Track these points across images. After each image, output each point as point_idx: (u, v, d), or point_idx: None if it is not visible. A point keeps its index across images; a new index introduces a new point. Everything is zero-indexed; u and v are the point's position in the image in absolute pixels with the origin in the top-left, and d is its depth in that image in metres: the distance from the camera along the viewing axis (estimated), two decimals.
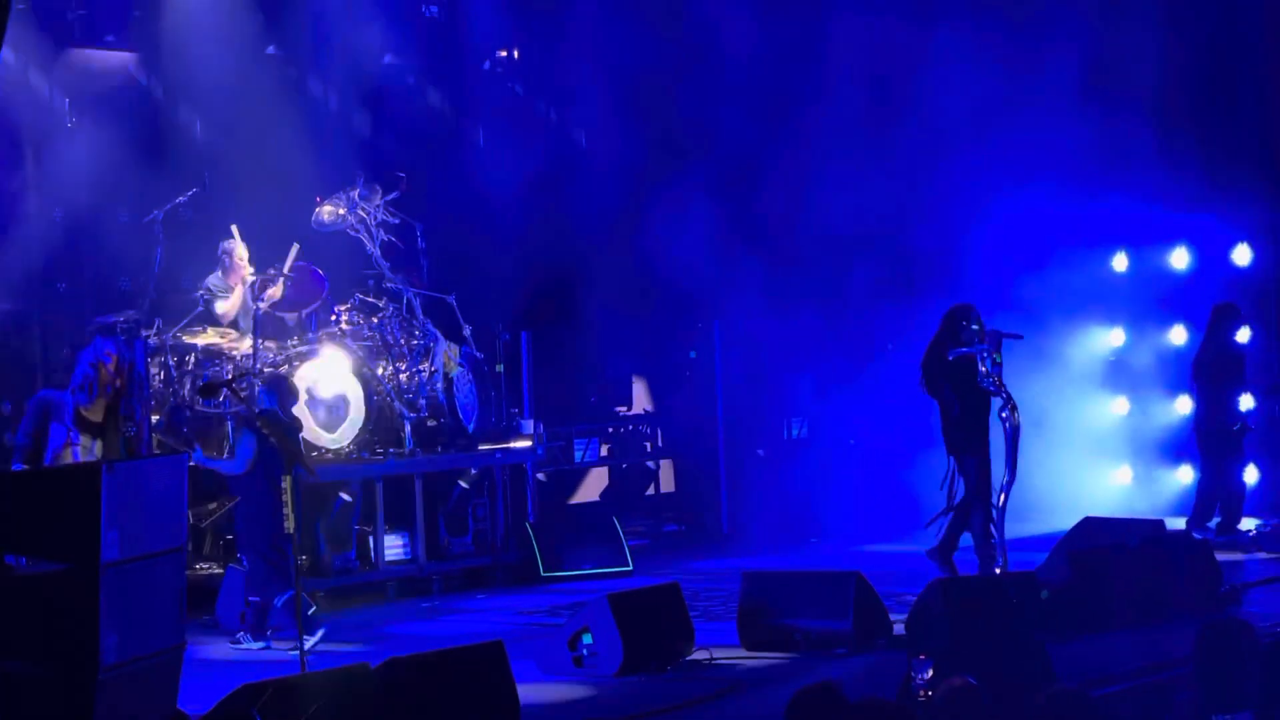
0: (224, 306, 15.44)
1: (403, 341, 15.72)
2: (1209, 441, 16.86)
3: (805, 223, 19.17)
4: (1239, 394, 16.92)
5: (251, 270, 15.48)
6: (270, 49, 17.14)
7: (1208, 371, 16.88)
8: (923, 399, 17.92)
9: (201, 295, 15.40)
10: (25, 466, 11.74)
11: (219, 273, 15.60)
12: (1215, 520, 16.74)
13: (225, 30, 16.69)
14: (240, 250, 15.55)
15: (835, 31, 18.67)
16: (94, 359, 11.97)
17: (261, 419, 12.38)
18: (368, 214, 15.85)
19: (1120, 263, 19.29)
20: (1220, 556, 13.83)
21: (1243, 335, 17.42)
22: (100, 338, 12.57)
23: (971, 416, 14.44)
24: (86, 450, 11.60)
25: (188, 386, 15.04)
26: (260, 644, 12.75)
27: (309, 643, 11.98)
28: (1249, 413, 17.12)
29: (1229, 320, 17.05)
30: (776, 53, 19.16)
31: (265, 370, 14.81)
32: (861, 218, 18.82)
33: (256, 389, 13.41)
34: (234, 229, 15.54)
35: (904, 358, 18.47)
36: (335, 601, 14.87)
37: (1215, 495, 16.81)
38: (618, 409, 19.33)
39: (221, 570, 14.29)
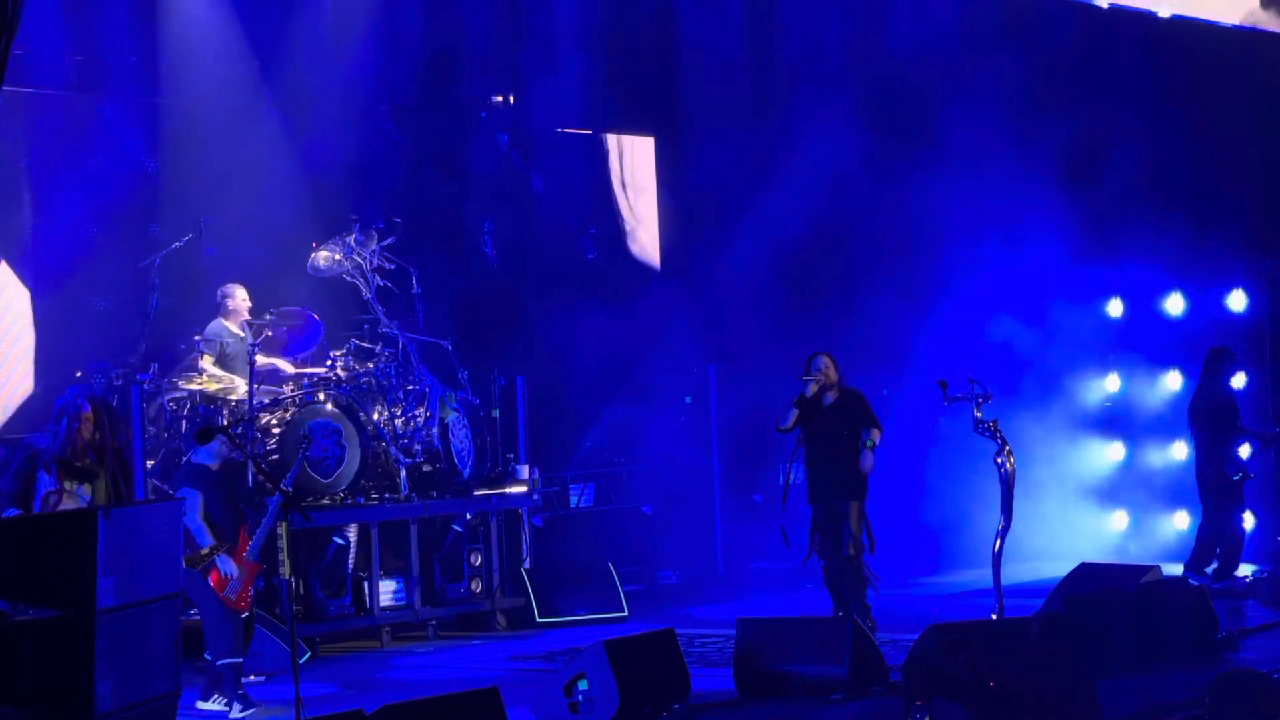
0: (212, 363, 15.43)
1: (398, 387, 15.72)
2: (1209, 487, 16.85)
3: (798, 274, 19.24)
4: (1238, 440, 16.92)
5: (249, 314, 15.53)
6: (266, 95, 17.17)
7: (1205, 417, 16.88)
8: (918, 444, 17.93)
9: (199, 343, 15.40)
10: (13, 512, 11.64)
11: (220, 319, 15.62)
12: (1212, 566, 16.73)
13: (221, 76, 16.74)
14: (240, 293, 15.60)
15: (832, 90, 18.78)
16: (70, 410, 11.82)
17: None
18: (363, 259, 15.87)
19: (1115, 309, 19.33)
20: (1217, 603, 13.82)
21: (1238, 380, 17.44)
22: (73, 389, 12.40)
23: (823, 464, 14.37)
24: (73, 496, 11.49)
25: (184, 432, 15.05)
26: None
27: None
28: (1247, 459, 17.11)
29: (1224, 365, 17.06)
30: (769, 96, 19.26)
31: (261, 416, 14.81)
32: (857, 265, 18.87)
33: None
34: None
35: (900, 403, 18.51)
36: (330, 647, 14.85)
37: (1215, 541, 16.80)
38: (613, 455, 19.31)
39: None
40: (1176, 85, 18.81)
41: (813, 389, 14.30)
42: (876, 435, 14.31)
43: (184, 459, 12.69)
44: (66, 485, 11.35)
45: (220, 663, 12.33)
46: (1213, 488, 16.81)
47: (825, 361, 14.45)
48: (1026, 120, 18.53)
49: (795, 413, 14.36)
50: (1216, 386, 16.97)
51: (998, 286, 18.73)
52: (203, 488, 12.36)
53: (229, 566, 12.24)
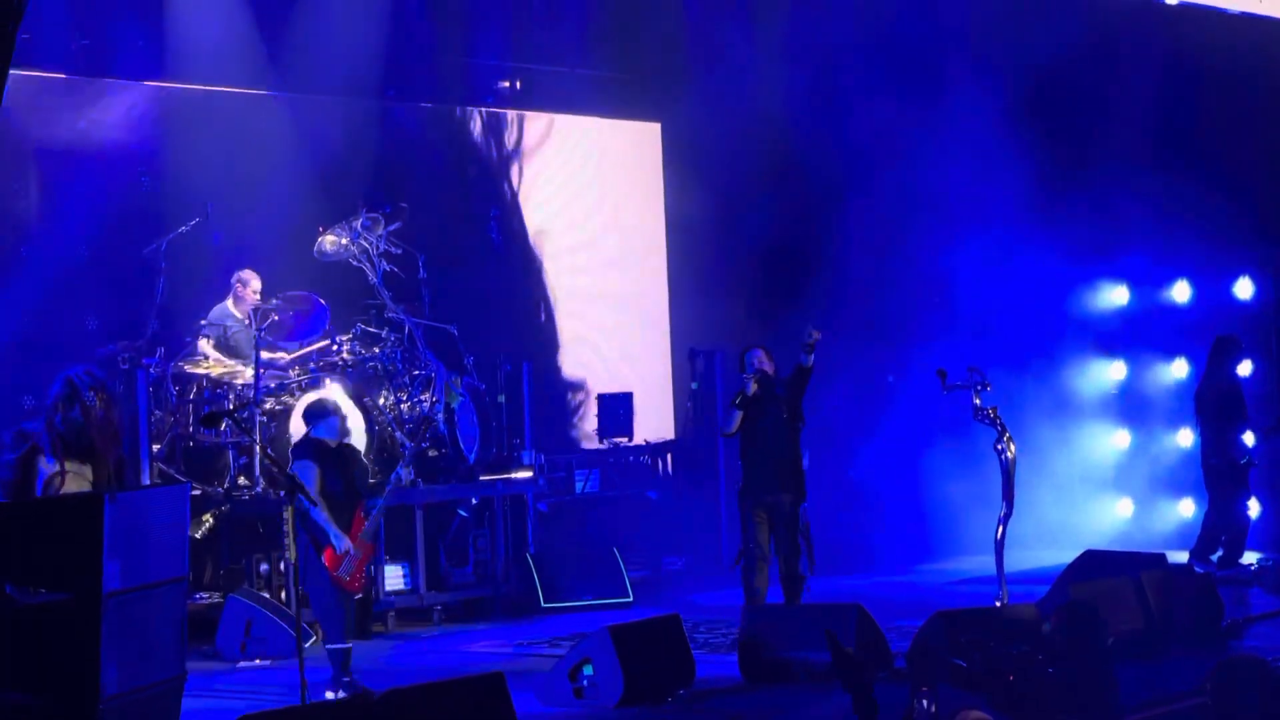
0: (212, 346, 15.43)
1: (404, 372, 15.72)
2: (1215, 475, 16.85)
3: (803, 259, 19.22)
4: (1243, 428, 16.92)
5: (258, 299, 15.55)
6: (272, 79, 17.16)
7: (1210, 405, 16.88)
8: (926, 432, 17.85)
9: (203, 327, 15.41)
10: (9, 498, 11.61)
11: (228, 301, 15.61)
12: (1217, 554, 16.73)
13: (227, 60, 16.72)
14: (255, 283, 15.60)
15: (839, 72, 18.78)
16: (76, 394, 11.76)
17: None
18: (370, 244, 15.85)
19: (1122, 296, 19.32)
20: (1222, 590, 13.81)
21: (1244, 369, 17.43)
22: (74, 370, 12.35)
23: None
24: (76, 478, 11.46)
25: (190, 417, 15.06)
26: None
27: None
28: (1253, 447, 17.11)
29: (1230, 353, 17.05)
30: (776, 80, 19.26)
31: (277, 400, 14.83)
32: (863, 250, 18.86)
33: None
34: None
35: (906, 390, 18.50)
36: None
37: (1221, 529, 16.80)
38: (619, 440, 19.29)
39: (222, 600, 14.27)
40: (1184, 73, 18.78)
41: (753, 387, 14.07)
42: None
43: (303, 434, 12.69)
44: (69, 467, 11.33)
45: (329, 647, 12.29)
46: (1219, 475, 16.81)
47: (761, 355, 14.25)
48: (1035, 108, 18.51)
49: (739, 414, 14.14)
50: (1223, 375, 16.97)
51: (1004, 273, 18.71)
52: (320, 462, 12.31)
53: (344, 543, 12.15)
